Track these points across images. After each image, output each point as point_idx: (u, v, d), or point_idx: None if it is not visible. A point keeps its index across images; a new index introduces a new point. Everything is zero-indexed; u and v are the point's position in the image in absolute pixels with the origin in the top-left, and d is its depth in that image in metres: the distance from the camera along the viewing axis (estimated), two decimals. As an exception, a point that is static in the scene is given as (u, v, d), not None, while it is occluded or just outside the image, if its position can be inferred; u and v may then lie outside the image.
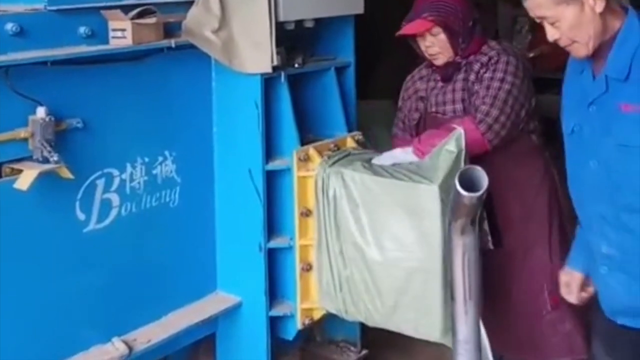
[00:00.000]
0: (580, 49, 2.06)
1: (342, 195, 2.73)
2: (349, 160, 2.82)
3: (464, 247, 1.36)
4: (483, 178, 1.33)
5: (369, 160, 2.80)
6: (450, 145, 2.57)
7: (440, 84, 2.99)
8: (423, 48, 2.94)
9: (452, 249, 1.36)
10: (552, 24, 2.04)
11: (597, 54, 2.07)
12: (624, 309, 2.11)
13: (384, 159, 2.77)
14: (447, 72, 2.95)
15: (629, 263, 2.06)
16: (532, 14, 2.08)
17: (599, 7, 2.00)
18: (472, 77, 2.89)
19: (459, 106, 2.90)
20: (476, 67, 2.88)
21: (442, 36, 2.86)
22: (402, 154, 2.76)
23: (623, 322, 2.13)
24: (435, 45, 2.88)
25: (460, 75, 2.92)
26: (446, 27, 2.84)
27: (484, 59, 2.88)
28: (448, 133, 2.66)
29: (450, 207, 1.36)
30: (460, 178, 1.31)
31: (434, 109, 2.99)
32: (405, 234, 2.62)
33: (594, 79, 2.09)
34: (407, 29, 2.90)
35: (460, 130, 2.57)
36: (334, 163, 2.80)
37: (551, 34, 2.06)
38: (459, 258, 1.35)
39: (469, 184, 1.32)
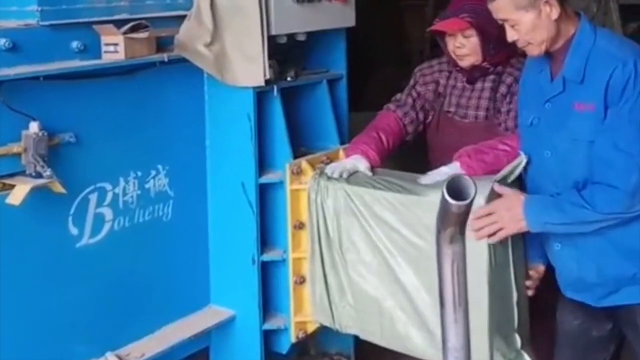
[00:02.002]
0: (534, 50, 2.30)
1: (362, 214, 2.66)
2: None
3: (452, 256, 1.37)
4: (470, 187, 1.35)
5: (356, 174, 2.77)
6: (510, 172, 2.47)
7: (461, 84, 2.94)
8: (451, 47, 2.87)
9: (440, 257, 1.37)
10: (512, 26, 2.28)
11: (555, 57, 2.32)
12: (575, 281, 2.38)
13: (433, 178, 2.64)
14: (474, 75, 2.90)
15: (578, 239, 2.30)
16: (495, 16, 2.32)
17: (554, 14, 2.23)
18: (503, 89, 2.84)
19: (481, 113, 2.87)
20: (508, 80, 2.84)
21: (474, 39, 2.80)
22: (449, 171, 2.63)
23: (572, 296, 2.41)
24: (465, 47, 2.82)
25: (488, 84, 2.88)
26: (481, 30, 2.78)
27: (517, 73, 2.80)
28: (495, 151, 2.64)
29: (439, 216, 1.37)
30: (448, 187, 1.32)
31: (452, 109, 2.94)
32: None
33: (551, 80, 2.34)
34: (441, 25, 2.85)
35: (523, 159, 2.44)
36: (329, 177, 2.76)
37: (510, 34, 2.31)
38: (447, 267, 1.36)
39: (457, 192, 1.34)
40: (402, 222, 2.58)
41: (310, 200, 2.79)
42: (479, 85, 2.90)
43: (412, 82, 3.06)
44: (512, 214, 2.30)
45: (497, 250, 2.42)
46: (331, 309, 2.83)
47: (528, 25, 2.24)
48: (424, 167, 2.98)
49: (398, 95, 3.05)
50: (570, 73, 2.27)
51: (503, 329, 2.49)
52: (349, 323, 2.81)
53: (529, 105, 2.42)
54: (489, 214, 2.33)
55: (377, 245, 2.65)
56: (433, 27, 2.88)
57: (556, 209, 2.25)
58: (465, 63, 2.87)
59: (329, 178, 2.76)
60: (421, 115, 3.00)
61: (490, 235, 2.34)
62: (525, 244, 2.53)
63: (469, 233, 2.29)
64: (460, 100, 2.93)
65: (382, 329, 2.71)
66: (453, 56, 2.88)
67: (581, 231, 2.26)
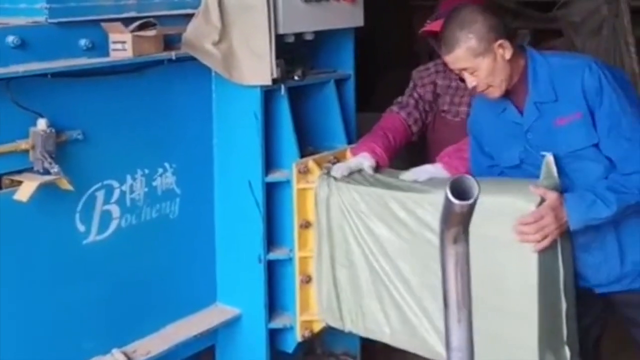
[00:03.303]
0: (495, 91, 2.38)
1: (403, 220, 2.57)
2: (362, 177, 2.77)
3: (456, 256, 1.36)
4: (474, 187, 1.35)
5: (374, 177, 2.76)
6: (547, 176, 2.35)
7: (455, 83, 3.04)
8: None
9: (444, 258, 1.37)
10: (471, 73, 2.37)
11: (514, 91, 2.41)
12: (606, 278, 2.41)
13: (417, 174, 2.70)
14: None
15: (604, 240, 2.37)
16: (452, 66, 2.41)
17: (508, 54, 2.34)
18: None
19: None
20: None
21: None
22: (433, 169, 2.71)
23: (603, 290, 2.43)
24: None
25: None
26: None
27: None
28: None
29: (442, 216, 1.37)
30: (452, 187, 1.32)
31: (445, 108, 3.04)
32: (495, 267, 2.33)
33: (521, 113, 2.40)
34: (432, 26, 2.91)
35: (550, 157, 2.35)
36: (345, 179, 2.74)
37: (470, 81, 2.39)
38: (451, 267, 1.36)
39: (461, 192, 1.34)
40: None
41: (319, 200, 2.78)
42: None
43: (411, 84, 3.14)
44: (558, 217, 2.27)
45: (546, 256, 2.31)
46: (340, 310, 2.80)
47: (486, 70, 2.33)
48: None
49: (399, 98, 3.12)
50: (541, 96, 2.36)
51: (552, 342, 2.36)
52: (375, 328, 2.73)
53: (508, 145, 2.46)
54: (536, 221, 2.26)
55: (421, 252, 2.54)
56: (425, 29, 2.96)
57: (598, 201, 2.25)
58: None
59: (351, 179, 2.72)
60: (424, 115, 3.07)
61: (537, 243, 2.27)
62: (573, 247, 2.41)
63: (516, 241, 2.25)
64: (454, 99, 3.03)
65: (427, 342, 2.58)
66: None
67: (618, 218, 2.30)
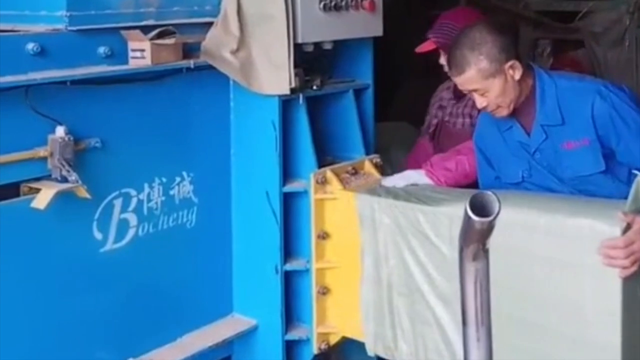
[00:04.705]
0: (503, 111, 2.37)
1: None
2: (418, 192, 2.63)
3: (475, 273, 1.34)
4: (495, 203, 1.32)
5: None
6: (637, 197, 2.15)
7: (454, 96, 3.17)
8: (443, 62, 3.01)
9: (463, 275, 1.35)
10: (481, 94, 2.35)
11: (521, 110, 2.39)
12: None
13: (396, 180, 2.76)
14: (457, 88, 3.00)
15: None
16: (462, 88, 2.38)
17: (517, 75, 2.32)
18: None
19: (467, 120, 3.06)
20: None
21: None
22: (416, 175, 2.76)
23: None
24: None
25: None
26: (445, 49, 2.83)
27: None
28: (457, 157, 2.72)
29: (462, 232, 1.34)
30: (472, 202, 1.30)
31: (447, 119, 3.18)
32: (573, 294, 2.18)
33: (528, 132, 2.39)
34: (419, 48, 3.05)
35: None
36: (397, 196, 2.61)
37: (480, 102, 2.37)
38: (470, 284, 1.34)
39: (481, 208, 1.31)
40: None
41: (367, 220, 2.65)
42: (465, 95, 2.99)
43: (430, 108, 3.33)
44: None
45: (630, 283, 2.13)
46: (395, 340, 2.63)
47: (497, 91, 2.33)
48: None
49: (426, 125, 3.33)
50: (547, 119, 2.34)
51: None
52: (437, 358, 2.51)
53: (511, 162, 2.44)
54: (627, 245, 2.09)
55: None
56: (418, 49, 3.08)
57: None
58: None
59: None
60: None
61: (625, 268, 2.10)
62: None
63: (598, 266, 2.08)
64: (452, 110, 3.17)
65: None
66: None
67: None
